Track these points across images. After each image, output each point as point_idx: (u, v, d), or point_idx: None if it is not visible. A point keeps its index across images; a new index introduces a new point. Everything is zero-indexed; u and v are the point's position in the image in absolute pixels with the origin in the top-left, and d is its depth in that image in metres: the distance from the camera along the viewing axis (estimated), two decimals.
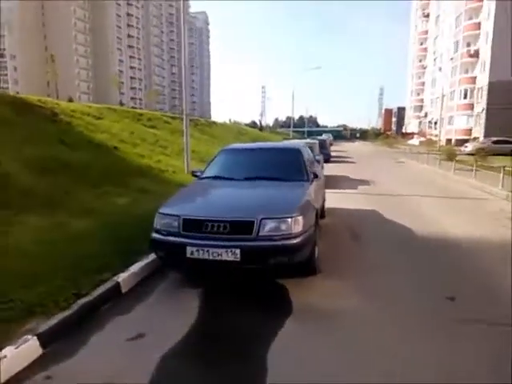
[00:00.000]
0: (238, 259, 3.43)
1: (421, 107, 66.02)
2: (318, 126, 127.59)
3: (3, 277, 3.51)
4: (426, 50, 65.54)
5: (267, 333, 2.99)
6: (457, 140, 42.34)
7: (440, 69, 48.92)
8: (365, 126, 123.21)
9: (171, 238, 3.69)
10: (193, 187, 4.84)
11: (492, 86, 38.17)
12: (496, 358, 2.62)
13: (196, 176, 5.46)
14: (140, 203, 7.36)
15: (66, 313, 3.09)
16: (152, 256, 4.47)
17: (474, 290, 3.80)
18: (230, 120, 44.84)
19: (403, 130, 74.14)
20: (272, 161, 5.20)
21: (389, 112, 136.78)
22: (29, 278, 3.53)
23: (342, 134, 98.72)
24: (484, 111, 39.29)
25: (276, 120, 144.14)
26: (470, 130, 42.86)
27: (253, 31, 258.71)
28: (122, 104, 40.69)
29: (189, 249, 3.53)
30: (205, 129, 23.32)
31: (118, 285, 3.74)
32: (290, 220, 3.55)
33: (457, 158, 20.42)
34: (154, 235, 3.86)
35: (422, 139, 50.77)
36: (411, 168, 18.87)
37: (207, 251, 3.47)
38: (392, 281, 4.09)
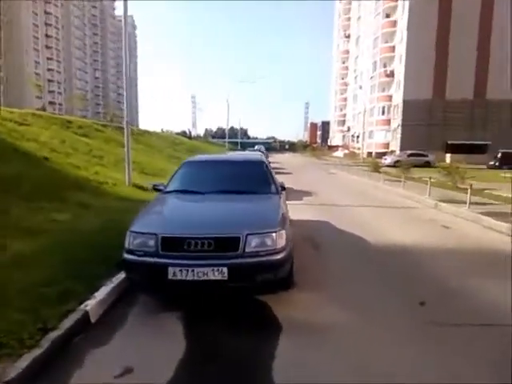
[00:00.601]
0: (226, 278, 3.30)
1: (344, 122, 71.01)
2: (248, 137, 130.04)
3: None
4: (347, 68, 70.96)
5: (265, 356, 2.90)
6: (377, 153, 46.22)
7: (361, 87, 53.24)
8: (292, 138, 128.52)
9: (148, 259, 3.43)
10: (160, 202, 4.56)
11: (406, 104, 42.55)
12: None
13: (158, 190, 5.18)
14: (83, 219, 6.79)
15: (37, 351, 2.68)
16: (116, 279, 4.12)
17: (437, 293, 4.12)
18: (162, 129, 43.38)
19: (328, 143, 78.86)
20: (238, 173, 5.15)
21: (314, 126, 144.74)
22: None
23: (272, 146, 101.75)
24: (399, 127, 43.55)
25: (206, 130, 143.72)
26: (388, 143, 47.15)
27: (183, 40, 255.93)
28: (44, 109, 37.20)
29: (171, 270, 3.31)
30: (139, 138, 22.32)
31: (86, 314, 3.36)
32: (274, 235, 3.53)
33: (381, 170, 22.33)
34: (127, 256, 3.55)
35: (346, 152, 54.54)
36: (343, 179, 20.06)
37: (192, 271, 3.29)
38: (363, 290, 4.25)
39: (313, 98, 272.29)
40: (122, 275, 4.21)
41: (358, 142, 57.57)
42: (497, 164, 29.42)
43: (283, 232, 3.61)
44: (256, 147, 62.84)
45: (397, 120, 44.83)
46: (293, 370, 2.71)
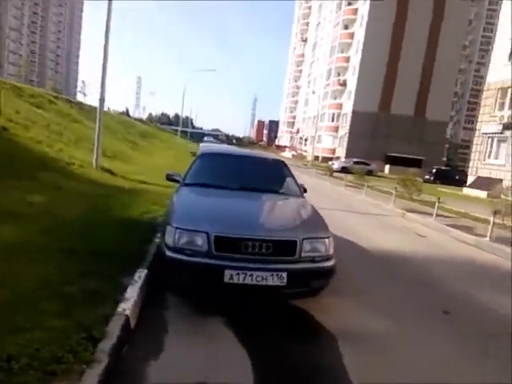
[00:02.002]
0: (284, 283, 3.14)
1: (293, 123, 72.73)
2: (193, 127, 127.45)
3: None
4: (301, 71, 72.65)
5: (337, 366, 2.81)
6: (323, 157, 48.09)
7: (314, 92, 54.85)
8: (237, 133, 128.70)
9: (200, 260, 3.14)
10: (191, 196, 4.18)
11: (355, 114, 44.75)
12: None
13: (173, 180, 4.81)
14: (60, 203, 6.10)
15: (97, 367, 2.29)
16: (138, 278, 3.73)
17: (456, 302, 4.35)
18: (108, 108, 40.65)
19: (276, 143, 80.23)
20: (262, 171, 4.97)
21: (261, 124, 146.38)
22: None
23: (220, 139, 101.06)
24: (347, 135, 45.70)
25: (150, 115, 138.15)
26: (334, 149, 49.25)
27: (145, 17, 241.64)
28: None
29: (227, 272, 3.06)
30: (92, 115, 20.65)
31: (127, 319, 2.98)
32: (327, 240, 3.45)
33: (334, 175, 23.27)
34: (172, 255, 3.21)
35: (294, 153, 55.92)
36: (307, 181, 20.45)
37: (250, 275, 3.07)
38: (385, 295, 4.35)
39: (260, 96, 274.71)
40: (141, 273, 3.84)
41: (305, 144, 59.38)
42: (431, 178, 32.19)
43: (332, 238, 3.54)
44: (205, 138, 61.85)
45: (345, 128, 46.99)
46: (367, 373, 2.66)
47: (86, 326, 2.69)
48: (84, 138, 13.23)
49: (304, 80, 68.95)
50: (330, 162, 42.11)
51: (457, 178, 30.89)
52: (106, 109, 40.64)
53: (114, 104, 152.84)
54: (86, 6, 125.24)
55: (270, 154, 6.00)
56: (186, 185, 4.51)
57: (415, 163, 41.97)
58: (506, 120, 20.70)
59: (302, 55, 72.29)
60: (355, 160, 35.77)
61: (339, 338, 3.21)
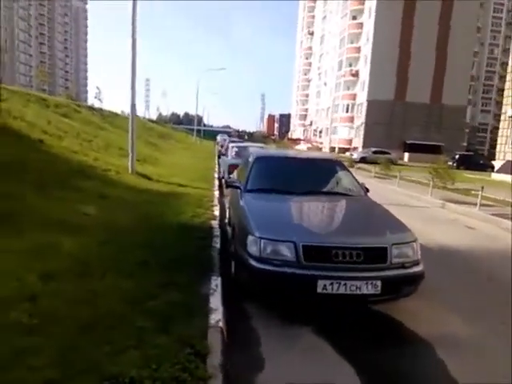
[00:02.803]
0: (379, 291, 3.03)
1: (305, 116, 72.15)
2: (204, 125, 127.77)
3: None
4: (310, 64, 71.92)
5: (444, 375, 2.69)
6: (339, 148, 47.57)
7: (325, 84, 54.24)
8: (247, 128, 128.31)
9: (292, 270, 3.04)
10: (262, 203, 4.07)
11: (369, 104, 44.06)
12: None
13: (233, 187, 4.72)
14: (113, 212, 6.13)
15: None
16: (217, 285, 3.67)
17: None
18: (122, 111, 40.97)
19: (289, 136, 79.75)
20: (321, 172, 4.84)
21: (272, 118, 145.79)
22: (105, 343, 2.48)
23: (231, 135, 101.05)
24: (363, 125, 45.06)
25: (160, 115, 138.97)
26: (351, 140, 48.66)
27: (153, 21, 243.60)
28: None
29: (320, 283, 2.96)
30: (115, 122, 20.83)
31: (222, 332, 2.91)
32: (415, 244, 3.32)
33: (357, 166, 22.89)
34: (258, 265, 3.12)
35: (310, 145, 55.46)
36: None
37: (344, 285, 2.96)
38: (461, 293, 4.19)
39: (269, 90, 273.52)
40: (216, 281, 3.78)
41: (320, 136, 58.85)
42: (454, 164, 31.47)
43: (418, 241, 3.40)
44: (219, 136, 61.92)
45: (360, 118, 46.34)
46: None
47: (187, 341, 2.63)
48: (112, 144, 13.32)
49: (314, 73, 68.24)
50: (349, 153, 41.63)
51: (481, 162, 30.17)
52: (119, 112, 41.11)
53: (123, 106, 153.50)
54: (90, 10, 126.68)
55: (324, 154, 5.86)
56: (249, 191, 4.40)
57: (435, 150, 41.01)
58: None
59: (310, 48, 71.53)
60: (374, 149, 35.20)
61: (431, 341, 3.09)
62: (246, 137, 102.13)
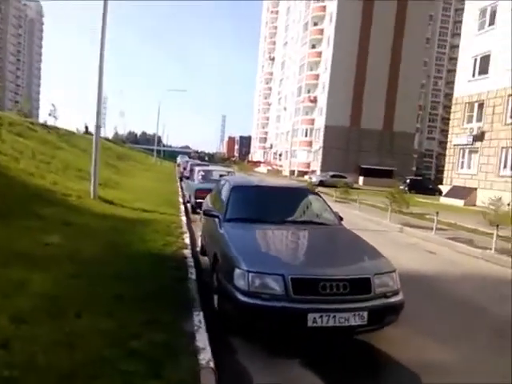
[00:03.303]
0: (365, 322, 3.10)
1: (265, 139, 73.57)
2: (163, 145, 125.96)
3: None
4: (270, 89, 74.02)
5: None
6: (299, 171, 48.77)
7: (285, 108, 55.93)
8: (206, 149, 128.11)
9: (281, 304, 3.04)
10: (243, 233, 4.04)
11: (327, 129, 45.94)
12: None
13: (212, 216, 4.67)
14: (78, 241, 5.83)
15: None
16: (200, 321, 3.57)
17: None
18: (77, 129, 39.41)
19: (249, 158, 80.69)
20: (296, 201, 4.94)
21: (232, 140, 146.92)
22: None
23: (191, 156, 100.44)
24: (321, 149, 46.71)
25: (116, 134, 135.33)
26: (309, 163, 50.12)
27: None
28: None
29: (310, 316, 2.99)
30: (71, 140, 19.97)
31: (214, 372, 2.82)
32: (394, 274, 3.46)
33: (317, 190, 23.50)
34: (248, 300, 3.10)
35: (270, 168, 56.39)
36: None
37: (333, 317, 3.01)
38: (435, 318, 4.39)
39: (229, 112, 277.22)
40: (199, 316, 3.68)
41: (280, 159, 60.07)
42: (406, 188, 33.32)
43: (397, 271, 3.56)
44: (179, 158, 61.22)
45: (318, 142, 48.04)
46: None
47: None
48: (71, 166, 12.76)
49: (274, 97, 70.28)
50: (307, 176, 42.73)
51: (430, 187, 32.17)
52: (75, 130, 39.57)
53: (77, 123, 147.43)
54: (46, 26, 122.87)
55: (296, 183, 6.00)
56: (229, 220, 4.38)
57: (387, 174, 43.38)
58: (475, 132, 21.94)
59: (271, 73, 73.89)
60: (332, 173, 36.48)
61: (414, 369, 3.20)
62: (207, 158, 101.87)
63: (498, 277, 6.66)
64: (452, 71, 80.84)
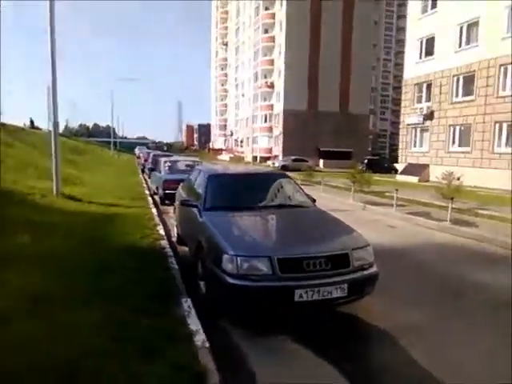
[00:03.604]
0: (346, 294, 3.40)
1: (225, 126, 73.05)
2: (119, 137, 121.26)
3: None
4: (226, 75, 73.19)
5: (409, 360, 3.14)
6: (261, 157, 49.13)
7: (243, 95, 55.73)
8: (164, 139, 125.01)
9: (269, 283, 3.26)
10: (225, 220, 4.18)
11: (286, 114, 46.45)
12: None
13: (189, 205, 4.77)
14: (51, 239, 5.73)
15: None
16: (190, 306, 3.71)
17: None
18: (24, 124, 37.05)
19: (210, 146, 79.93)
20: (271, 186, 5.14)
21: (191, 128, 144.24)
22: None
23: (150, 147, 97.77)
24: (281, 134, 47.25)
25: (67, 127, 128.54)
26: (271, 148, 50.60)
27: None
28: None
29: (297, 292, 3.23)
30: (20, 137, 18.85)
31: (211, 351, 2.99)
32: (369, 248, 3.77)
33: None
34: (237, 282, 3.28)
35: (232, 155, 56.28)
36: None
37: (318, 292, 3.28)
38: (403, 286, 4.82)
39: (186, 100, 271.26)
40: (187, 303, 3.81)
41: (241, 146, 60.05)
42: (364, 169, 34.70)
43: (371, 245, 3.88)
44: (137, 149, 59.44)
45: (278, 128, 48.52)
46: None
47: (183, 365, 2.68)
48: (27, 164, 12.16)
49: (231, 83, 69.67)
50: (270, 162, 43.20)
51: (386, 165, 33.73)
52: (22, 125, 37.14)
53: (22, 117, 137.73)
54: None
55: (269, 169, 6.19)
56: (208, 209, 4.51)
57: (346, 155, 44.78)
58: (425, 112, 23.23)
59: (225, 59, 72.98)
60: (293, 158, 37.12)
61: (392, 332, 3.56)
62: (165, 148, 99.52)
63: (454, 245, 7.31)
64: (400, 53, 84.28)
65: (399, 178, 24.53)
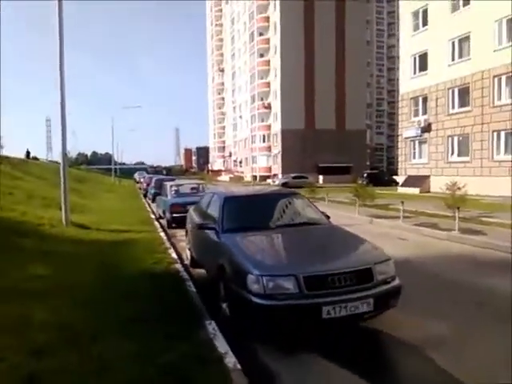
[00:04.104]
0: (372, 308, 3.41)
1: (224, 148, 73.79)
2: (117, 163, 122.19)
3: None
4: (223, 99, 74.52)
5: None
6: (260, 176, 49.45)
7: (241, 117, 56.60)
8: (164, 163, 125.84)
9: (296, 301, 3.27)
10: (245, 241, 4.20)
11: (284, 133, 47.06)
12: None
13: (208, 228, 4.81)
14: (67, 269, 5.74)
15: None
16: (214, 328, 3.70)
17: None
18: (27, 156, 37.53)
19: (209, 168, 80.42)
20: (286, 206, 5.20)
21: (189, 151, 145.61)
22: None
23: (148, 171, 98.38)
24: (280, 153, 47.70)
25: (66, 156, 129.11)
26: (270, 167, 50.98)
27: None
28: None
29: (325, 309, 3.24)
30: (28, 169, 19.06)
31: (243, 372, 2.98)
32: (390, 262, 3.80)
33: None
34: (264, 302, 3.29)
35: (231, 176, 56.61)
36: None
37: (345, 307, 3.29)
38: (427, 301, 4.80)
39: (183, 124, 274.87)
40: (211, 325, 3.81)
41: (241, 166, 60.49)
42: (364, 182, 34.90)
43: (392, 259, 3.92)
44: (137, 174, 59.84)
45: (277, 147, 49.06)
46: None
47: None
48: (34, 195, 12.26)
49: (229, 106, 70.84)
50: (271, 180, 43.46)
51: (386, 178, 33.91)
52: (23, 157, 37.51)
53: (16, 149, 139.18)
54: None
55: (282, 188, 6.27)
56: (226, 231, 4.55)
57: (345, 170, 45.16)
58: (422, 124, 23.56)
59: (222, 84, 74.57)
60: (293, 175, 37.38)
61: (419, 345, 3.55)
62: (164, 172, 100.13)
63: (468, 254, 7.30)
64: (391, 69, 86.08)
65: (401, 190, 24.64)
